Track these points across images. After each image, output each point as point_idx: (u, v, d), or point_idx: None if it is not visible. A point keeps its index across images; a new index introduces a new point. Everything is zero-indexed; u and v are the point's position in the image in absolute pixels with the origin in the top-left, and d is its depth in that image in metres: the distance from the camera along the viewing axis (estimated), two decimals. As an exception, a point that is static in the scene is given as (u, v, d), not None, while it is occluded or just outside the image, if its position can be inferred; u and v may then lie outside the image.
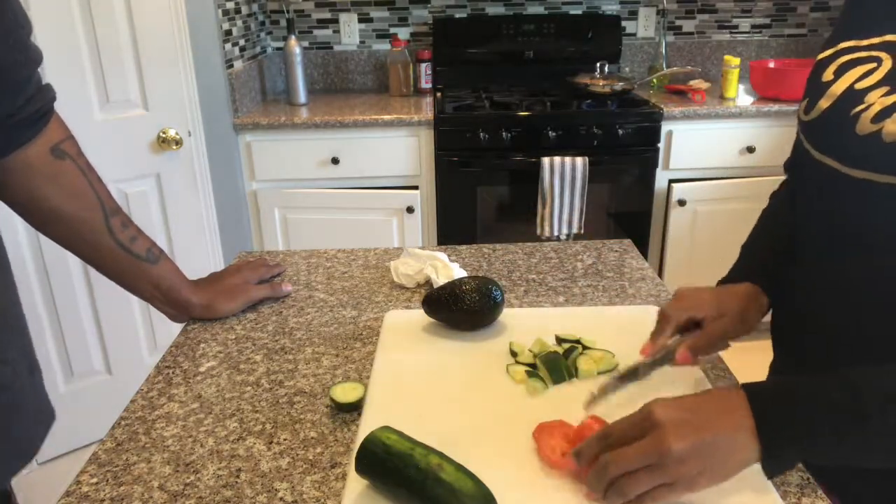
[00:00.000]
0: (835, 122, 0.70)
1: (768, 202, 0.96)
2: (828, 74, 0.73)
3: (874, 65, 0.68)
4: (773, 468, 0.60)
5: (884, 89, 0.66)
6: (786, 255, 0.84)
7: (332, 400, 0.82)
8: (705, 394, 0.63)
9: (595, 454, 0.63)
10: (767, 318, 0.89)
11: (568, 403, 0.79)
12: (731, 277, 0.88)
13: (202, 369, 0.92)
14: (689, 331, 0.80)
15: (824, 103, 0.71)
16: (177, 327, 1.06)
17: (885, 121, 0.64)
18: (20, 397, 0.77)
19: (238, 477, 0.72)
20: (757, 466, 0.62)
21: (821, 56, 0.76)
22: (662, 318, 0.79)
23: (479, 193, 2.52)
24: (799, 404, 0.59)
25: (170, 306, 1.02)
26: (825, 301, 0.75)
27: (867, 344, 0.70)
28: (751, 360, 0.80)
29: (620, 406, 0.73)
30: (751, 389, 0.61)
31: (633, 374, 0.77)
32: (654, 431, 0.59)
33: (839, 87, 0.70)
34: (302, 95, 2.68)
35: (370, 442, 0.66)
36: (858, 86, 0.69)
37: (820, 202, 0.75)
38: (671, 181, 2.54)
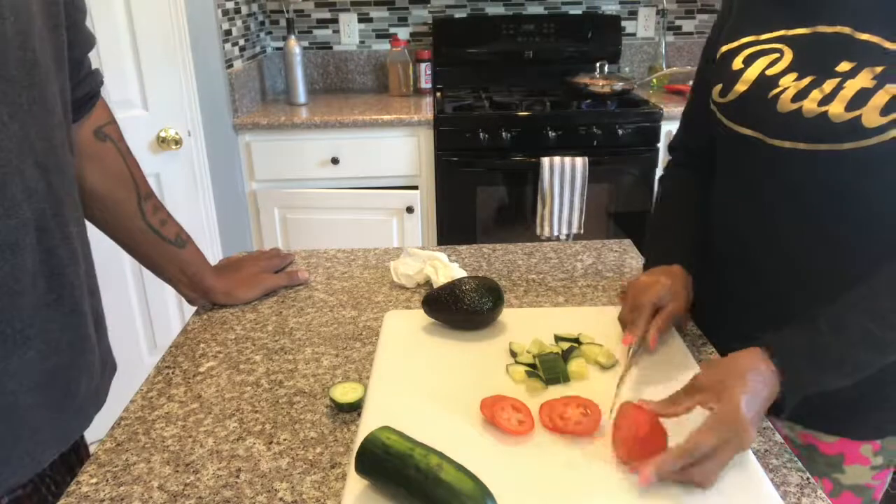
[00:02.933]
0: (754, 101, 0.85)
1: (661, 186, 1.11)
2: (737, 63, 0.88)
3: (777, 55, 0.85)
4: (788, 408, 0.73)
5: (794, 75, 0.82)
6: (696, 226, 1.01)
7: (332, 400, 0.81)
8: (747, 368, 0.72)
9: (675, 468, 0.66)
10: None
11: (568, 403, 0.79)
12: (658, 259, 0.97)
13: (202, 369, 0.92)
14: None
15: (740, 87, 0.87)
16: (176, 327, 1.06)
17: (802, 101, 0.80)
18: (91, 350, 0.82)
19: (238, 477, 0.72)
20: (758, 473, 0.67)
21: (725, 48, 0.91)
22: (638, 309, 0.89)
23: (478, 193, 2.52)
24: (807, 358, 0.73)
25: (192, 290, 1.06)
26: (755, 243, 0.90)
27: (799, 286, 0.86)
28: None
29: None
30: (779, 352, 0.73)
31: (636, 353, 0.88)
32: (740, 437, 0.67)
33: (752, 74, 0.86)
34: (302, 95, 2.67)
35: (370, 442, 0.66)
36: (769, 72, 0.84)
37: (745, 169, 0.90)
38: (671, 181, 2.54)
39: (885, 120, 0.74)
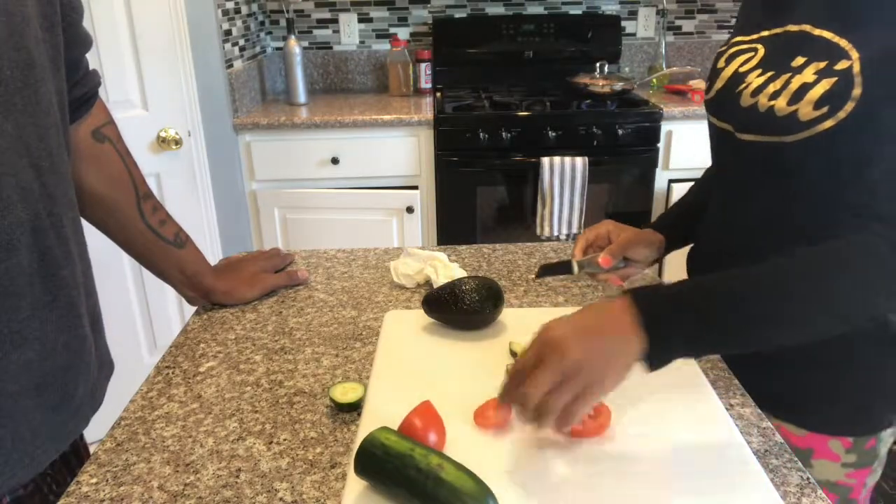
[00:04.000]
0: (727, 97, 0.89)
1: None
2: (721, 62, 0.93)
3: (752, 53, 0.89)
4: (656, 360, 0.68)
5: (759, 71, 0.86)
6: (693, 211, 1.06)
7: (332, 400, 0.81)
8: (592, 305, 0.73)
9: (514, 391, 0.69)
10: None
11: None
12: None
13: (202, 369, 0.92)
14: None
15: (718, 84, 0.91)
16: (176, 327, 1.06)
17: (758, 95, 0.83)
18: (88, 351, 0.82)
19: (238, 477, 0.72)
20: (758, 473, 0.64)
21: (719, 50, 0.95)
22: (576, 240, 1.06)
23: (479, 193, 2.52)
24: (673, 299, 0.70)
25: (192, 290, 1.06)
26: (728, 234, 0.94)
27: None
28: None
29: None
30: (633, 291, 0.71)
31: (567, 267, 1.01)
32: (552, 351, 0.67)
33: (728, 71, 0.90)
34: (302, 95, 2.67)
35: (369, 443, 0.66)
36: (742, 69, 0.88)
37: (722, 159, 0.95)
38: (671, 181, 2.54)
39: (816, 114, 0.76)
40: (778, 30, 0.87)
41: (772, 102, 0.81)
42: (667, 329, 0.68)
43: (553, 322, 0.70)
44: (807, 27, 0.82)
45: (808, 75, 0.78)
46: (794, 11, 0.85)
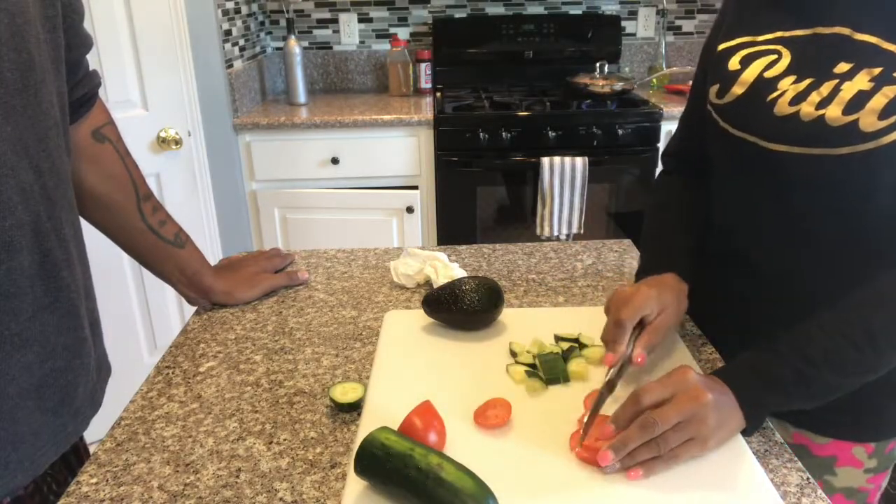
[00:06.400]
0: (752, 105, 0.83)
1: (652, 195, 1.08)
2: (734, 64, 0.86)
3: (775, 57, 0.82)
4: (752, 429, 0.74)
5: (793, 77, 0.80)
6: (694, 231, 0.97)
7: (332, 400, 0.81)
8: (706, 382, 0.74)
9: (630, 417, 0.71)
10: None
11: (566, 403, 0.79)
12: (650, 269, 0.91)
13: (202, 369, 0.92)
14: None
15: (738, 90, 0.85)
16: (176, 327, 1.06)
17: (801, 104, 0.78)
18: (88, 353, 0.82)
19: (238, 477, 0.72)
20: (758, 473, 0.65)
21: (721, 47, 0.89)
22: (618, 325, 0.80)
23: (479, 193, 2.52)
24: (763, 377, 0.74)
25: (192, 290, 1.06)
26: (748, 243, 0.90)
27: (791, 286, 0.86)
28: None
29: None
30: (723, 374, 0.75)
31: (611, 388, 0.79)
32: (688, 389, 0.71)
33: (749, 76, 0.83)
34: (302, 95, 2.68)
35: (369, 443, 0.66)
36: (767, 75, 0.82)
37: (740, 170, 0.88)
38: (671, 181, 2.54)
39: (883, 124, 0.72)
40: (801, 31, 0.81)
41: (820, 112, 0.76)
42: (766, 409, 0.74)
43: (690, 368, 0.74)
44: (844, 30, 0.77)
45: (863, 83, 0.74)
46: (823, 13, 0.80)
